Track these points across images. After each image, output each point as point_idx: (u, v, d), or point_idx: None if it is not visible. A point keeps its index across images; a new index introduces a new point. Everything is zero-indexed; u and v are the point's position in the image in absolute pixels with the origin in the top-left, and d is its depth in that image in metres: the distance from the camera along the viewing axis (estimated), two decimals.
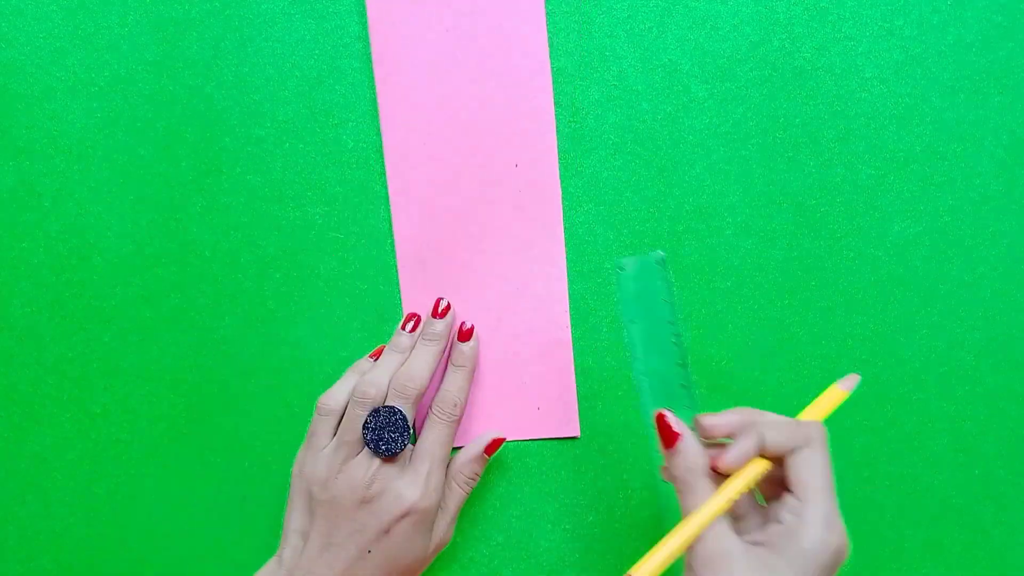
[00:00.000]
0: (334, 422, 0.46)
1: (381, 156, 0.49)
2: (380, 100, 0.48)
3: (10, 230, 0.50)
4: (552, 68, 0.48)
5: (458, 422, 0.47)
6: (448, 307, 0.48)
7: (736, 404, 0.50)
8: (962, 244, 0.49)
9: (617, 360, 0.49)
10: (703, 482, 0.37)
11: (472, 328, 0.48)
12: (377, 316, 0.50)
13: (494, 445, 0.48)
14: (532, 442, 0.50)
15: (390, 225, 0.49)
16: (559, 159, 0.49)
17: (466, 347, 0.48)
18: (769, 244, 0.49)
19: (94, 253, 0.50)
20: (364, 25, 0.49)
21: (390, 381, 0.46)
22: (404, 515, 0.44)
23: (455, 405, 0.46)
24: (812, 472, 0.37)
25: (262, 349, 0.50)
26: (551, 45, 0.48)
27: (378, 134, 0.49)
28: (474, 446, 0.48)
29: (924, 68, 0.49)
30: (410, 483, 0.44)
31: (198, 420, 0.50)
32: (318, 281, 0.50)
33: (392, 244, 0.49)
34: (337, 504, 0.44)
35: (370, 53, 0.49)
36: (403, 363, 0.47)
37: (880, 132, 0.49)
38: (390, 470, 0.44)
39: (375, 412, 0.44)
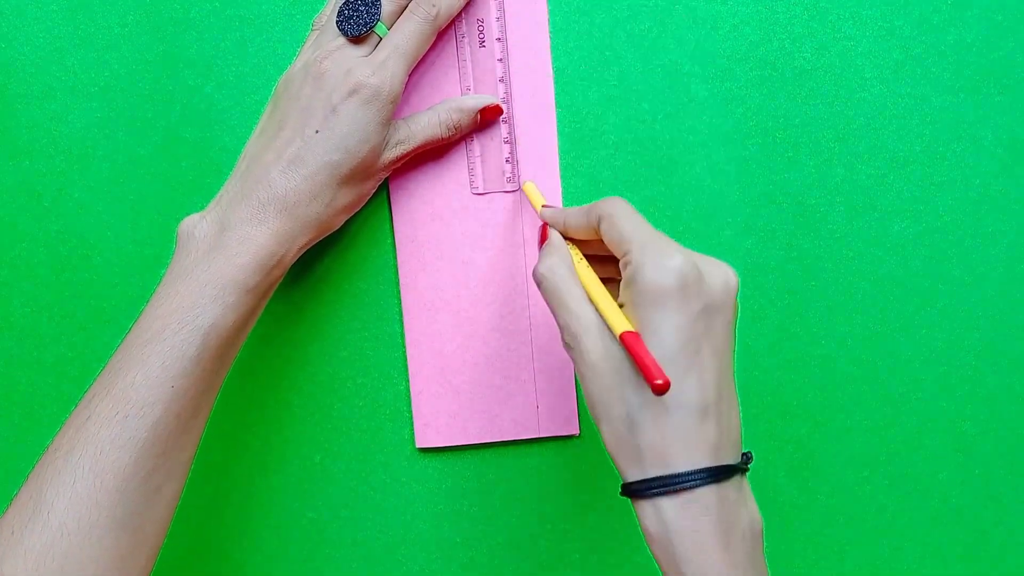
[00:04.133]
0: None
1: None
2: None
3: (10, 230, 0.50)
4: (552, 68, 0.48)
5: (433, 25, 0.43)
6: None
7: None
8: (962, 244, 0.49)
9: None
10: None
11: None
12: (377, 316, 0.50)
13: (490, 111, 0.46)
14: (532, 442, 0.50)
15: (390, 224, 0.49)
16: (559, 159, 0.49)
17: None
18: (769, 244, 0.49)
19: (94, 253, 0.50)
20: None
21: None
22: (352, 91, 0.41)
23: (434, 6, 0.43)
24: (621, 225, 0.36)
25: (261, 348, 0.50)
26: (553, 44, 0.48)
27: None
28: (474, 100, 0.46)
29: (924, 68, 0.49)
30: (363, 62, 0.42)
31: None
32: (318, 281, 0.50)
33: (392, 244, 0.49)
34: (290, 85, 0.43)
35: None
36: None
37: (880, 132, 0.49)
38: (350, 50, 0.42)
39: None
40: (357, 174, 0.43)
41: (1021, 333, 0.50)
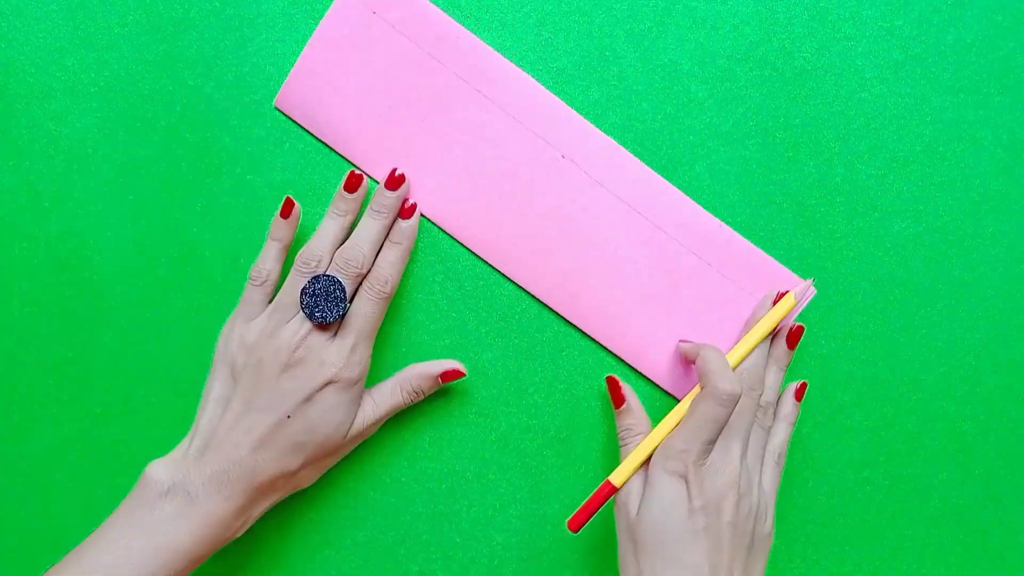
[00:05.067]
0: (268, 291, 0.45)
1: None
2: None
3: (10, 230, 0.50)
4: (552, 68, 0.48)
5: (388, 299, 0.45)
6: (403, 177, 0.46)
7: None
8: (962, 244, 0.49)
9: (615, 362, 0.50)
10: (640, 436, 0.46)
11: (415, 206, 0.47)
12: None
13: (450, 375, 0.47)
14: (532, 441, 0.50)
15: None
16: None
17: (406, 225, 0.46)
18: (769, 244, 0.49)
19: (94, 253, 0.50)
20: None
21: (336, 247, 0.45)
22: (326, 383, 0.43)
23: (386, 283, 0.45)
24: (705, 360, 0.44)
25: None
26: (551, 45, 0.48)
27: None
28: (433, 366, 0.47)
29: (924, 68, 0.49)
30: (335, 352, 0.44)
31: None
32: None
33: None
34: (262, 368, 0.43)
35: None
36: (345, 227, 0.46)
37: (880, 132, 0.49)
38: (318, 337, 0.44)
39: (315, 279, 0.43)
40: (326, 452, 0.45)
41: (1021, 333, 0.50)
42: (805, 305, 0.48)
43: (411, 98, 0.47)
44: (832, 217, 0.49)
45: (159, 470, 0.42)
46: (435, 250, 0.49)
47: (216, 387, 0.45)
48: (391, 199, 0.46)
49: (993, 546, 0.50)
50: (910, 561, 0.50)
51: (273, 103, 0.48)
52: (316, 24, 0.48)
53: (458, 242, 0.49)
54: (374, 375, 0.49)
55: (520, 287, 0.49)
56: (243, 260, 0.49)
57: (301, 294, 0.44)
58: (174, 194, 0.49)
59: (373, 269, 0.45)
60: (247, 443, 0.43)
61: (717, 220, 0.48)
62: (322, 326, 0.44)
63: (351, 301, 0.45)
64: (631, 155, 0.48)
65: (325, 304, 0.43)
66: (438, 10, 0.47)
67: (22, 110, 0.49)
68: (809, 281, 0.47)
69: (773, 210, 0.49)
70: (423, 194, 0.48)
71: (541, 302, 0.49)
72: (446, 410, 0.50)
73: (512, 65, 0.47)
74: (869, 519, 0.50)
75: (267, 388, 0.43)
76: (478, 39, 0.47)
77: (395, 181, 0.46)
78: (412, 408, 0.49)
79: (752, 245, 0.48)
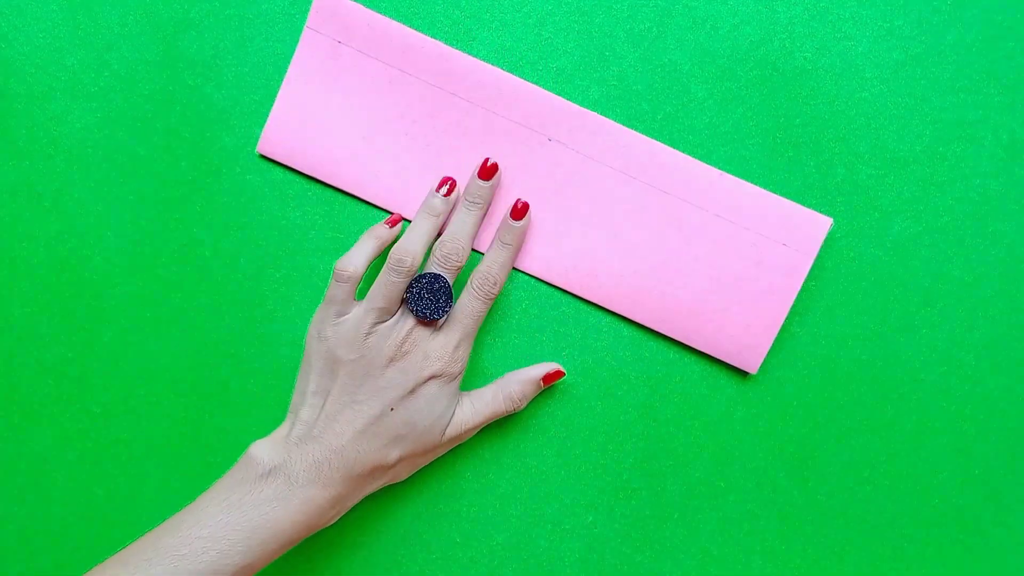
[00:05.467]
0: (353, 288, 0.45)
1: None
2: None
3: (10, 230, 0.50)
4: (552, 68, 0.48)
5: (493, 299, 0.46)
6: (495, 166, 0.46)
7: (736, 403, 0.50)
8: (962, 244, 0.49)
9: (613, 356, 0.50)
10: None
11: (527, 205, 0.47)
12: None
13: (552, 376, 0.48)
14: (532, 441, 0.50)
15: None
16: None
17: (517, 225, 0.47)
18: None
19: (94, 253, 0.50)
20: None
21: (428, 247, 0.46)
22: (431, 377, 0.44)
23: (495, 284, 0.46)
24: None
25: (262, 349, 0.50)
26: (551, 45, 0.48)
27: None
28: (534, 370, 0.48)
29: (924, 68, 0.49)
30: (440, 347, 0.45)
31: (198, 420, 0.50)
32: (318, 281, 0.50)
33: (392, 243, 0.49)
34: (366, 363, 0.44)
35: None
36: (436, 227, 0.46)
37: (880, 132, 0.49)
38: (423, 332, 0.45)
39: (420, 277, 0.44)
40: (424, 448, 0.46)
41: (1021, 333, 0.50)
42: (824, 238, 0.48)
43: (391, 115, 0.48)
44: (832, 217, 0.49)
45: (262, 451, 0.43)
46: None
47: (314, 379, 0.45)
48: (485, 188, 0.47)
49: (993, 546, 0.50)
50: (910, 561, 0.50)
51: (256, 149, 0.49)
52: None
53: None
54: None
55: (534, 277, 0.49)
56: (243, 260, 0.49)
57: (408, 291, 0.44)
58: (174, 194, 0.49)
59: (483, 267, 0.46)
60: (349, 433, 0.43)
61: (717, 171, 0.48)
62: (426, 322, 0.45)
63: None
64: (618, 125, 0.48)
65: (432, 301, 0.44)
66: (400, 25, 0.47)
67: (22, 110, 0.49)
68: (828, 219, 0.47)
69: None
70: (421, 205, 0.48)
71: (557, 288, 0.49)
72: None
73: (481, 62, 0.47)
74: (869, 519, 0.50)
75: (371, 382, 0.44)
76: (443, 44, 0.47)
77: (488, 171, 0.46)
78: None
79: (760, 189, 0.48)
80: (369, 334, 0.44)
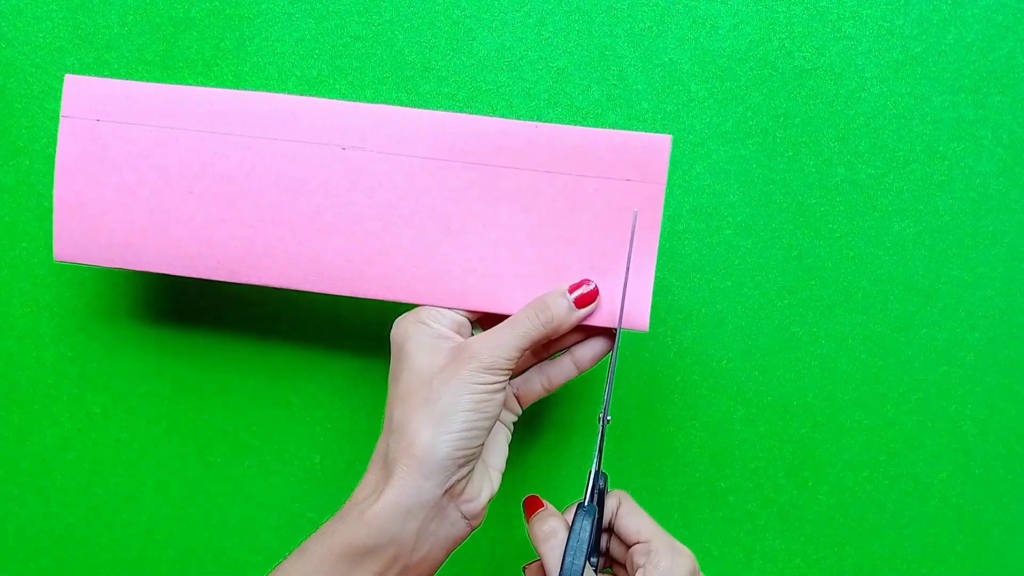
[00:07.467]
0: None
1: None
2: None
3: (10, 230, 0.50)
4: (552, 68, 0.48)
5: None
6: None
7: (736, 403, 0.50)
8: (962, 244, 0.49)
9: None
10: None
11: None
12: (377, 315, 0.50)
13: (589, 295, 0.42)
14: (532, 442, 0.50)
15: None
16: None
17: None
18: (769, 244, 0.49)
19: None
20: (365, 25, 0.49)
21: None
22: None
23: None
24: (638, 519, 0.41)
25: (262, 349, 0.50)
26: (551, 45, 0.48)
27: None
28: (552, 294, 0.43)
29: (924, 68, 0.49)
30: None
31: (198, 420, 0.50)
32: None
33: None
34: None
35: (370, 53, 0.49)
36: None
37: (880, 132, 0.49)
38: None
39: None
40: None
41: (1021, 333, 0.50)
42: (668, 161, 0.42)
43: (169, 177, 0.43)
44: (832, 217, 0.49)
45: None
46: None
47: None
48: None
49: (993, 546, 0.50)
50: (910, 561, 0.50)
51: (54, 257, 0.44)
52: (316, 24, 0.48)
53: (309, 291, 0.46)
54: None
55: (388, 301, 0.44)
56: None
57: None
58: None
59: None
60: None
61: (532, 123, 0.42)
62: None
63: None
64: (413, 109, 0.43)
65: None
66: (149, 84, 0.43)
67: (22, 110, 0.49)
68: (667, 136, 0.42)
69: (773, 210, 0.49)
70: (231, 261, 0.44)
71: (408, 304, 0.44)
72: None
73: (248, 92, 0.43)
74: (869, 519, 0.50)
75: None
76: (200, 87, 0.43)
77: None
78: None
79: (582, 128, 0.42)
80: None
